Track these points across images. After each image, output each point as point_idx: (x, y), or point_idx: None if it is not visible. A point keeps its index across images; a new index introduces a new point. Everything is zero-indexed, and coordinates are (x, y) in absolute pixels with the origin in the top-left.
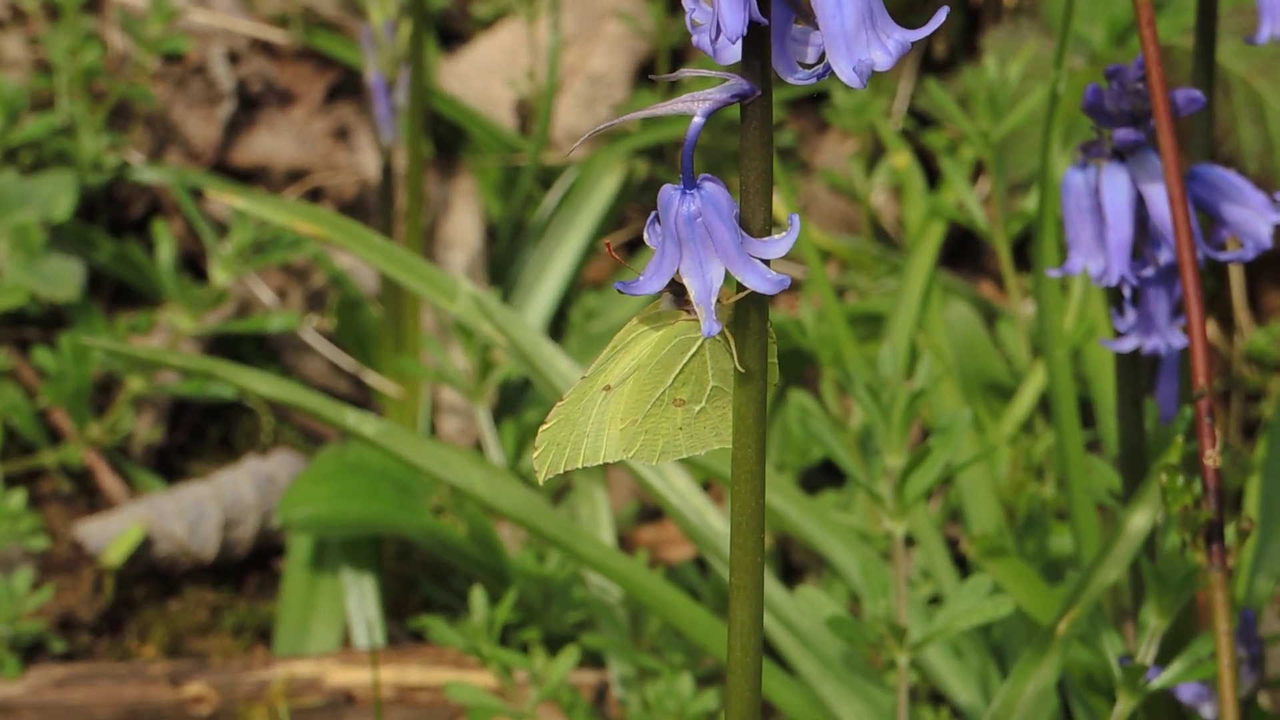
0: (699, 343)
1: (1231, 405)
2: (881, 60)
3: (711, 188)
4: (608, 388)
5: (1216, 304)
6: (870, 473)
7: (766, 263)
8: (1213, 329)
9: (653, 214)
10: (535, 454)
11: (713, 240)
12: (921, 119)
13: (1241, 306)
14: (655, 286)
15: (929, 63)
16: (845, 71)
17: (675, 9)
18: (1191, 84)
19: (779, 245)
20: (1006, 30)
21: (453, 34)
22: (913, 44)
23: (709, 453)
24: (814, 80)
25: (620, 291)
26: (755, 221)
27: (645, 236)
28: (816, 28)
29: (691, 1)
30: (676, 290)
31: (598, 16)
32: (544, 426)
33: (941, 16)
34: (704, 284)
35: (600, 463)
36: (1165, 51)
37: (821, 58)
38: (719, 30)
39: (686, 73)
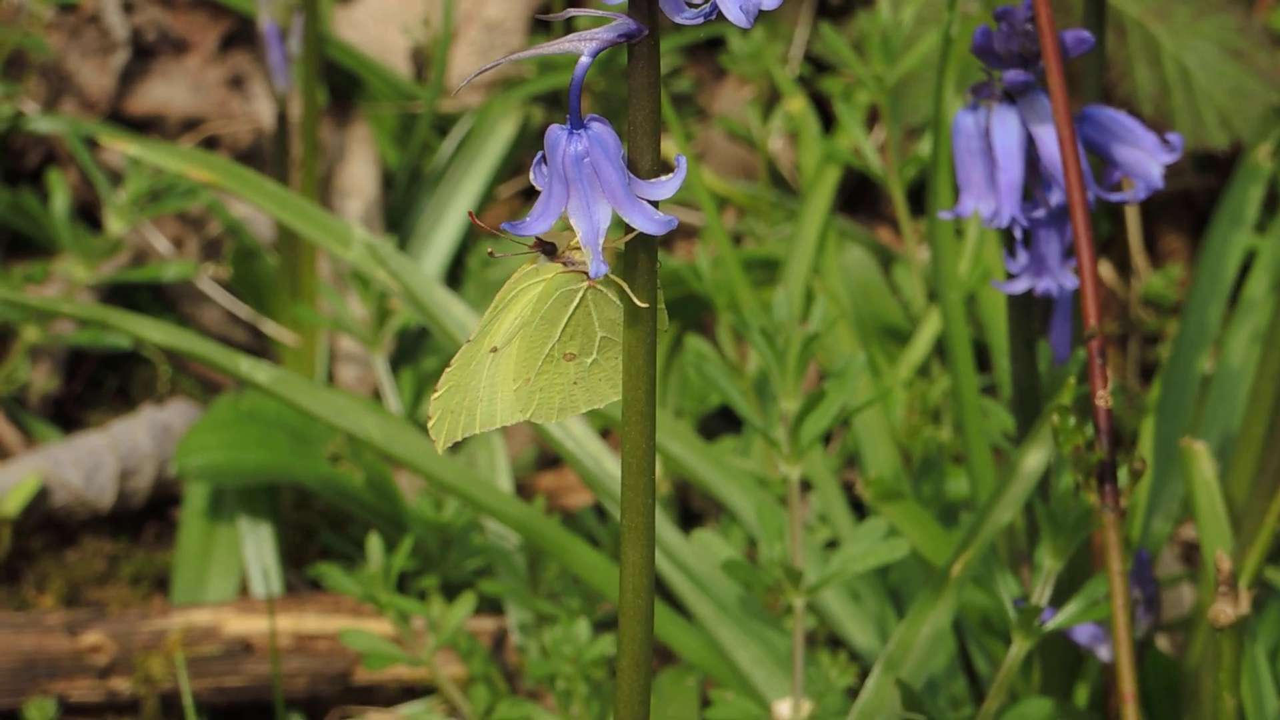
0: (581, 293)
1: (1129, 348)
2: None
3: (599, 128)
4: (495, 349)
5: (1113, 248)
6: (767, 417)
7: (654, 204)
8: (1110, 273)
9: (539, 154)
10: (430, 424)
11: (600, 181)
12: (818, 64)
13: (1138, 250)
14: (543, 226)
15: (825, 8)
16: (733, 11)
17: None
18: (1082, 26)
19: (666, 186)
20: None
21: None
22: None
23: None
24: (701, 20)
25: (507, 232)
26: (643, 162)
27: (531, 177)
28: None
29: None
30: (548, 249)
31: None
32: (435, 395)
33: None
34: (591, 224)
35: (497, 426)
36: None
37: None
38: None
39: (575, 12)
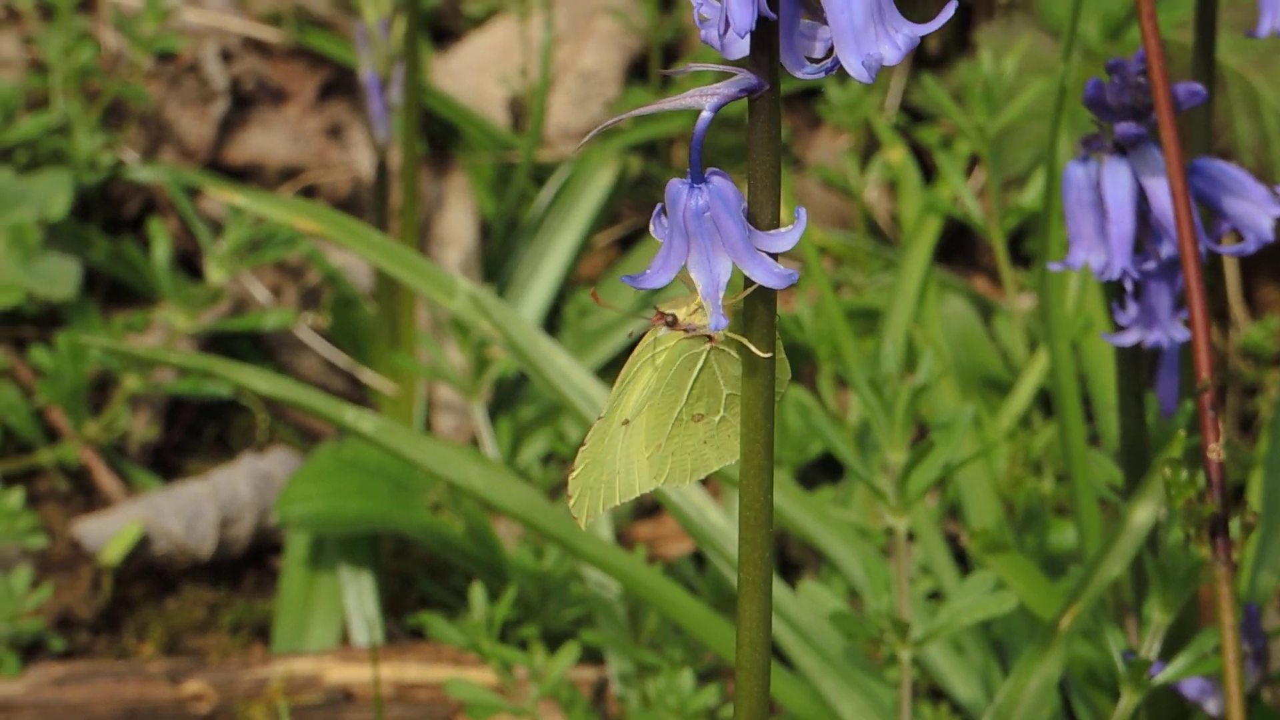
0: (704, 355)
1: (1228, 400)
2: (890, 55)
3: (720, 182)
4: (626, 422)
5: (1212, 299)
6: (869, 468)
7: (774, 257)
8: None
9: (658, 206)
10: (570, 503)
11: (720, 234)
12: (914, 114)
13: (1237, 301)
14: (664, 279)
15: (922, 58)
16: (854, 66)
17: (667, 5)
18: (1190, 78)
19: (786, 238)
20: (1000, 25)
21: (445, 31)
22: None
23: None
24: (822, 75)
25: (628, 285)
26: (763, 216)
27: (651, 229)
28: (824, 22)
29: None
30: (669, 321)
31: (589, 13)
32: (573, 474)
33: (950, 11)
34: (711, 278)
35: (635, 496)
36: (1161, 45)
37: (829, 52)
38: (727, 24)
39: (695, 67)
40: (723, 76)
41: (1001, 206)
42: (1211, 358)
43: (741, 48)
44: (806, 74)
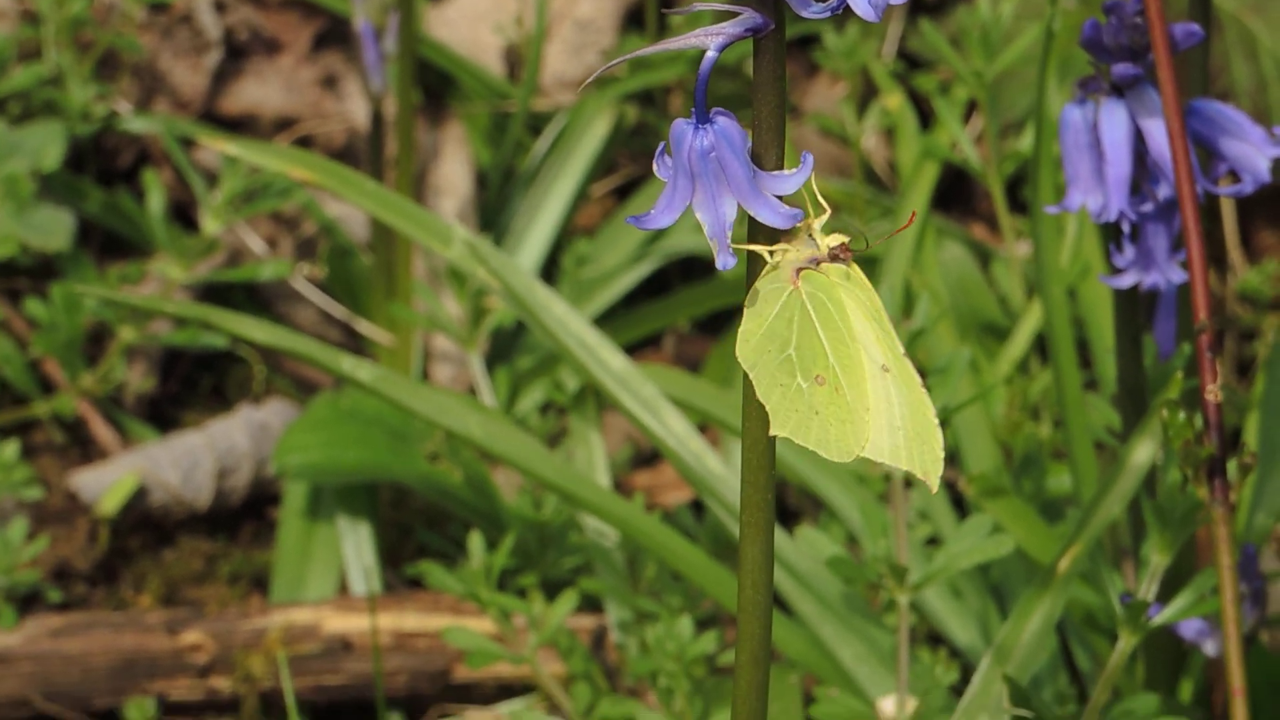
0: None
1: (1226, 344)
2: None
3: (725, 122)
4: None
5: (1209, 244)
6: None
7: (780, 198)
8: None
9: (660, 146)
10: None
11: (725, 175)
12: (911, 61)
13: (1234, 245)
14: (668, 219)
15: (919, 4)
16: (862, 5)
17: None
18: (1187, 19)
19: (793, 180)
20: None
21: None
22: None
23: (702, 396)
24: (828, 14)
25: (632, 225)
26: (769, 156)
27: (655, 168)
28: None
29: None
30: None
31: None
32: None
33: None
34: (717, 218)
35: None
36: None
37: None
38: None
39: (699, 6)
40: (724, 17)
41: (999, 152)
42: (1209, 299)
43: None
44: (813, 13)
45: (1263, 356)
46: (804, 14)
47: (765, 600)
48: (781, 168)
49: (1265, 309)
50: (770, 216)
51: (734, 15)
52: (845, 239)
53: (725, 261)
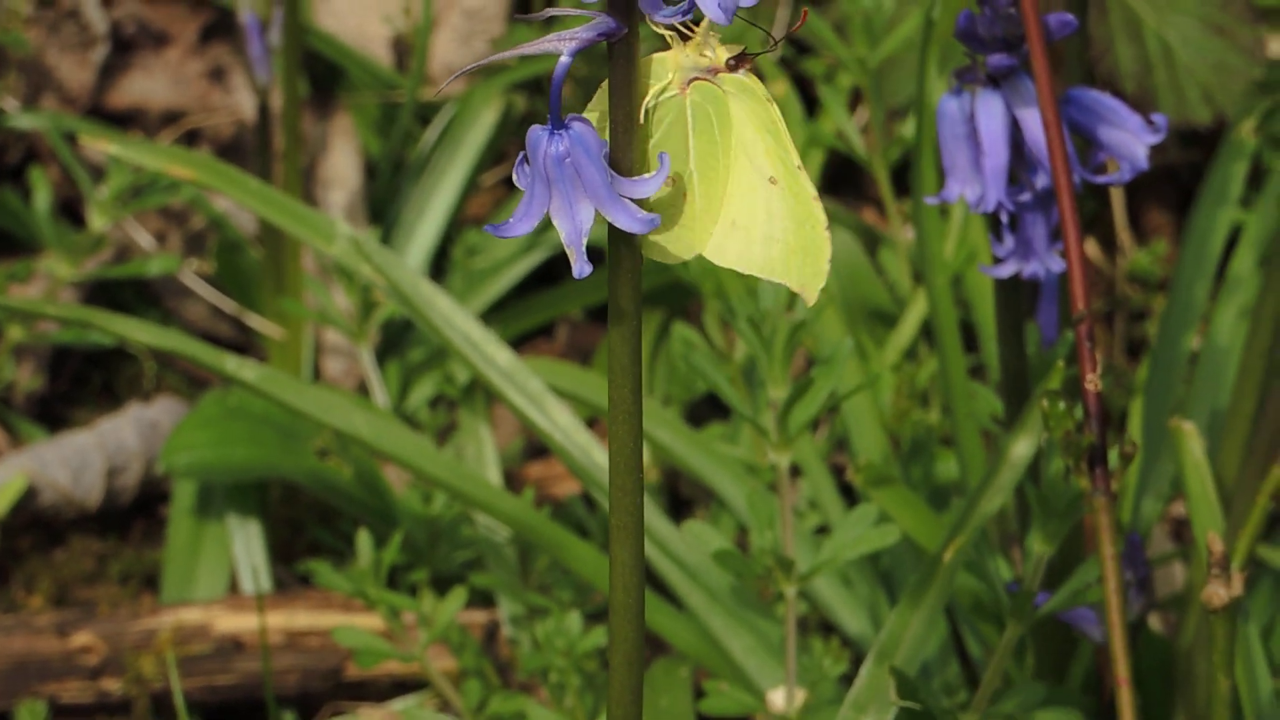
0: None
1: (1115, 325)
2: None
3: (580, 127)
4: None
5: (1098, 224)
6: (755, 404)
7: (638, 202)
8: (1095, 249)
9: (521, 154)
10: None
11: (582, 180)
12: (799, 46)
13: (1123, 226)
14: (525, 228)
15: None
16: (710, 8)
17: None
18: (1064, 6)
19: (649, 184)
20: None
21: None
22: None
23: (590, 389)
24: (679, 18)
25: (492, 234)
26: (624, 160)
27: (514, 177)
28: None
29: None
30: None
31: None
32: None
33: None
34: (574, 225)
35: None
36: None
37: None
38: None
39: (553, 12)
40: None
41: (885, 138)
42: (1088, 288)
43: None
44: (663, 17)
45: (1151, 338)
46: (655, 18)
47: (637, 603)
48: (638, 172)
49: (1154, 289)
50: (628, 222)
51: (588, 19)
52: (743, 48)
53: (581, 269)
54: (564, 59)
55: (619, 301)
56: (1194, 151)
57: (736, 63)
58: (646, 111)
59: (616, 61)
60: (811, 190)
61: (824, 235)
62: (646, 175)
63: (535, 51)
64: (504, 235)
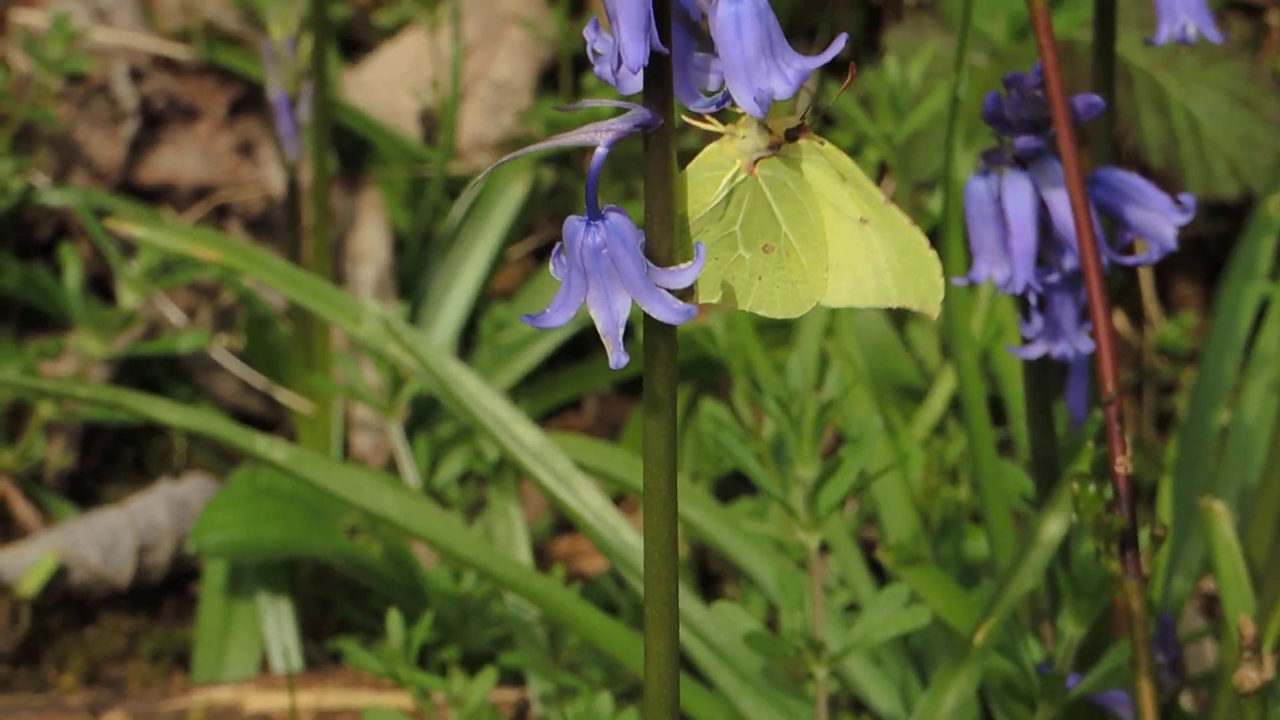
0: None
1: (1144, 398)
2: (782, 89)
3: (616, 219)
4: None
5: (1126, 297)
6: (784, 483)
7: (674, 292)
8: (1123, 322)
9: (557, 245)
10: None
11: (618, 271)
12: (826, 118)
13: (1151, 299)
14: (563, 318)
15: (832, 63)
16: (746, 101)
17: (577, 13)
18: (1091, 81)
19: (685, 275)
20: (908, 28)
21: (356, 43)
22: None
23: (619, 465)
24: (715, 108)
25: (529, 325)
26: (660, 251)
27: (551, 268)
28: (718, 55)
29: (593, 31)
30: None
31: (500, 22)
32: None
33: (840, 44)
34: (610, 316)
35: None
36: (1067, 46)
37: (723, 85)
38: (620, 61)
39: (588, 103)
40: (621, 110)
41: (912, 213)
42: (1116, 370)
43: (635, 83)
44: (700, 107)
45: (1182, 412)
46: (692, 108)
47: (672, 695)
48: (675, 262)
49: (1183, 362)
50: (664, 313)
51: (624, 110)
52: (801, 120)
53: (619, 360)
54: (600, 150)
55: (655, 391)
56: (1222, 223)
57: (795, 134)
58: (720, 201)
59: (653, 153)
60: (904, 217)
61: (929, 254)
62: (683, 265)
63: (572, 143)
64: (541, 326)
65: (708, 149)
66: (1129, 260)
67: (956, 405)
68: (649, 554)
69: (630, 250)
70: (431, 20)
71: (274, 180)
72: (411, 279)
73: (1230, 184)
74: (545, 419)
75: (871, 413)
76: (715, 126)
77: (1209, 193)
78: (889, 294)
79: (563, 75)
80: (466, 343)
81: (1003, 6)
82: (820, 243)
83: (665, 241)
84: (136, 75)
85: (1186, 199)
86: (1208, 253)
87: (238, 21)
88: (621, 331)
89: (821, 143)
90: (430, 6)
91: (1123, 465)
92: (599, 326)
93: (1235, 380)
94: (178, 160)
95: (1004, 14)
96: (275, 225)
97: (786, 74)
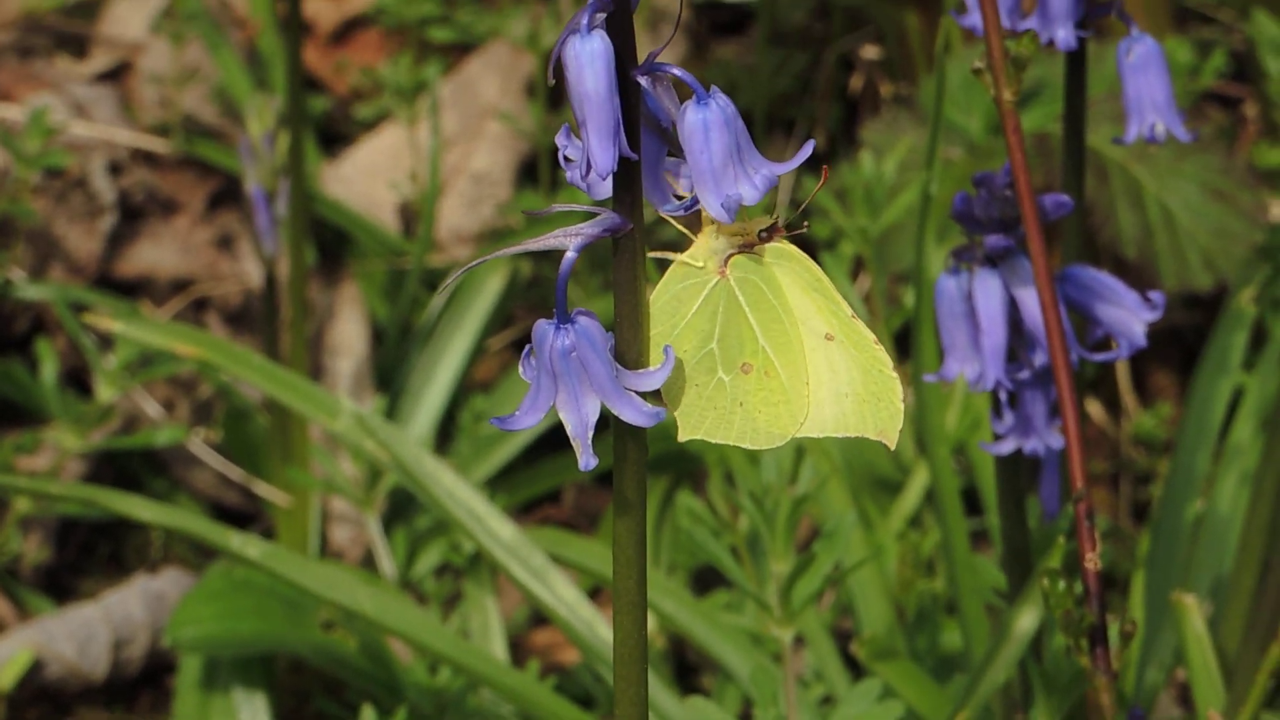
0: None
1: (1121, 488)
2: (750, 195)
3: (585, 322)
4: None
5: (1103, 386)
6: (759, 576)
7: (643, 395)
8: (1100, 412)
9: (527, 347)
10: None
11: (588, 374)
12: (806, 210)
13: (1127, 389)
14: (532, 421)
15: (810, 155)
16: (714, 207)
17: (556, 106)
18: (1061, 178)
19: (654, 377)
20: (884, 122)
21: (335, 136)
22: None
23: (595, 558)
24: (684, 212)
25: (497, 428)
26: (629, 354)
27: (520, 370)
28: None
29: (564, 137)
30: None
31: (479, 116)
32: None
33: (808, 150)
34: (579, 418)
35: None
36: (1042, 139)
37: (694, 188)
38: (589, 166)
39: (558, 208)
40: (591, 214)
41: (888, 305)
42: (1086, 467)
43: (605, 189)
44: (670, 210)
45: (1156, 500)
46: (663, 211)
47: None
48: (644, 365)
49: (1159, 452)
50: (633, 415)
51: (594, 215)
52: (774, 219)
53: (587, 462)
54: (570, 254)
55: (624, 492)
56: (1197, 314)
57: (769, 234)
58: (694, 312)
59: (621, 256)
60: (870, 335)
61: (892, 376)
62: (653, 368)
63: (542, 247)
64: (510, 429)
65: (672, 267)
66: (1099, 356)
67: (932, 497)
68: (618, 655)
69: (599, 353)
70: (410, 114)
71: (253, 273)
72: (391, 371)
73: (1205, 276)
74: (524, 510)
75: (847, 506)
76: (685, 231)
77: (1184, 284)
78: (848, 421)
79: (542, 168)
80: (445, 434)
81: (979, 101)
82: (797, 352)
83: (634, 344)
84: (115, 169)
85: (1156, 296)
86: (1184, 343)
87: (217, 115)
88: (591, 434)
89: (789, 246)
90: (409, 100)
91: (1092, 561)
92: (568, 429)
93: (1208, 472)
94: (156, 253)
95: (980, 108)
96: (254, 318)
97: (754, 180)
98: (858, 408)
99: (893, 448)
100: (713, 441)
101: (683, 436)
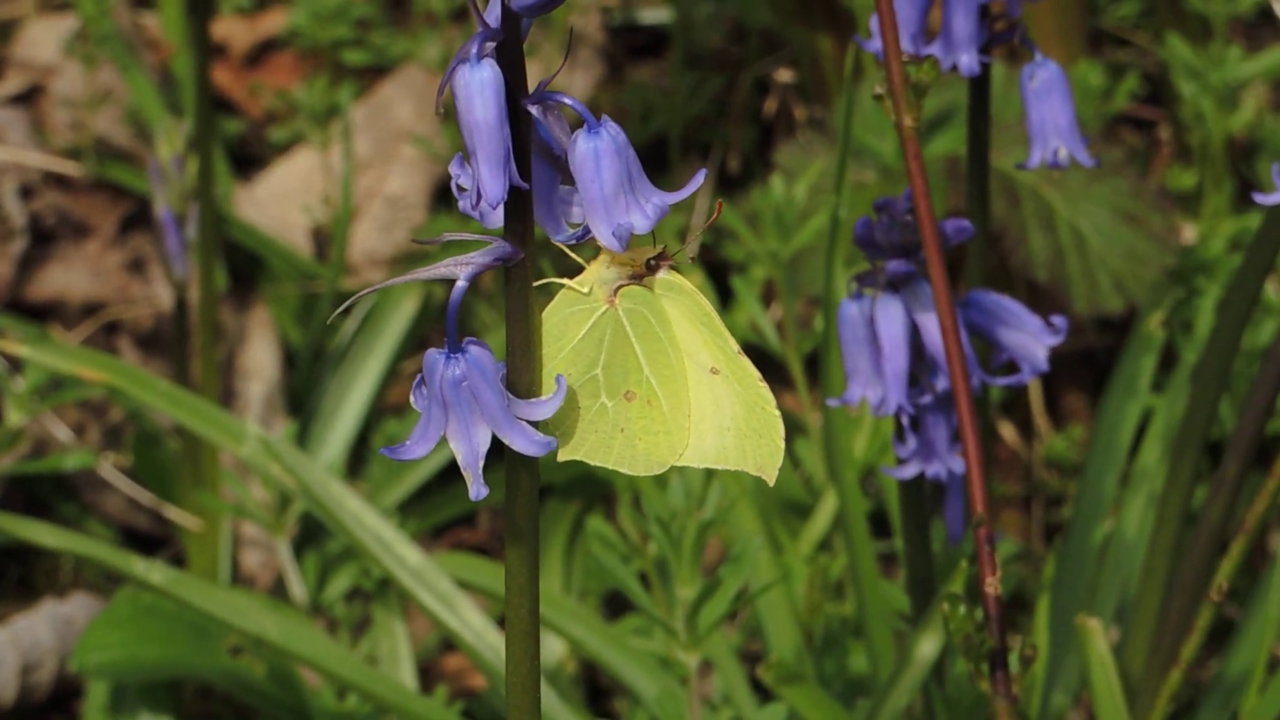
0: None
1: (1033, 510)
2: (641, 224)
3: (476, 351)
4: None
5: (1015, 409)
6: (668, 601)
7: (534, 424)
8: (1013, 434)
9: (418, 377)
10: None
11: (479, 404)
12: (719, 232)
13: (1040, 412)
14: (422, 451)
15: (724, 178)
16: (605, 236)
17: None
18: (965, 203)
19: (545, 407)
20: (798, 145)
21: (249, 159)
22: (670, 206)
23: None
24: (577, 240)
25: (387, 457)
26: (521, 383)
27: (411, 400)
28: None
29: (457, 166)
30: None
31: (392, 139)
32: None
33: (699, 180)
34: (470, 448)
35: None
36: (954, 163)
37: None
38: (480, 195)
39: (453, 236)
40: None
41: (800, 327)
42: (986, 491)
43: (496, 218)
44: (563, 239)
45: (1066, 523)
46: (556, 240)
47: None
48: (535, 394)
49: (1071, 474)
50: (525, 445)
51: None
52: (663, 248)
53: (478, 492)
54: (460, 283)
55: (516, 522)
56: (1110, 336)
57: (657, 262)
58: (581, 337)
59: (513, 286)
60: (754, 372)
61: (774, 414)
62: (544, 397)
63: (432, 277)
64: (400, 458)
65: (561, 292)
66: (1001, 381)
67: (841, 521)
68: (510, 685)
69: (490, 383)
70: (324, 136)
71: (165, 297)
72: (303, 394)
73: (1115, 299)
74: (438, 533)
75: (756, 529)
76: (576, 259)
77: (1095, 307)
78: (729, 455)
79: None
80: (358, 457)
81: (891, 125)
82: (681, 385)
83: (526, 373)
84: (26, 192)
85: (1059, 320)
86: (1097, 365)
87: (129, 138)
88: (482, 464)
89: (678, 279)
90: (323, 123)
91: (992, 586)
92: (459, 459)
93: (1116, 495)
94: (67, 277)
95: (892, 132)
96: (166, 342)
97: (645, 209)
98: (739, 442)
99: (771, 484)
100: (591, 464)
101: (562, 456)
